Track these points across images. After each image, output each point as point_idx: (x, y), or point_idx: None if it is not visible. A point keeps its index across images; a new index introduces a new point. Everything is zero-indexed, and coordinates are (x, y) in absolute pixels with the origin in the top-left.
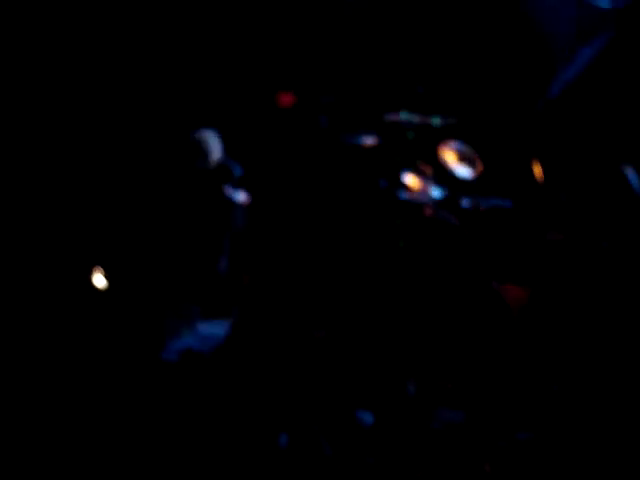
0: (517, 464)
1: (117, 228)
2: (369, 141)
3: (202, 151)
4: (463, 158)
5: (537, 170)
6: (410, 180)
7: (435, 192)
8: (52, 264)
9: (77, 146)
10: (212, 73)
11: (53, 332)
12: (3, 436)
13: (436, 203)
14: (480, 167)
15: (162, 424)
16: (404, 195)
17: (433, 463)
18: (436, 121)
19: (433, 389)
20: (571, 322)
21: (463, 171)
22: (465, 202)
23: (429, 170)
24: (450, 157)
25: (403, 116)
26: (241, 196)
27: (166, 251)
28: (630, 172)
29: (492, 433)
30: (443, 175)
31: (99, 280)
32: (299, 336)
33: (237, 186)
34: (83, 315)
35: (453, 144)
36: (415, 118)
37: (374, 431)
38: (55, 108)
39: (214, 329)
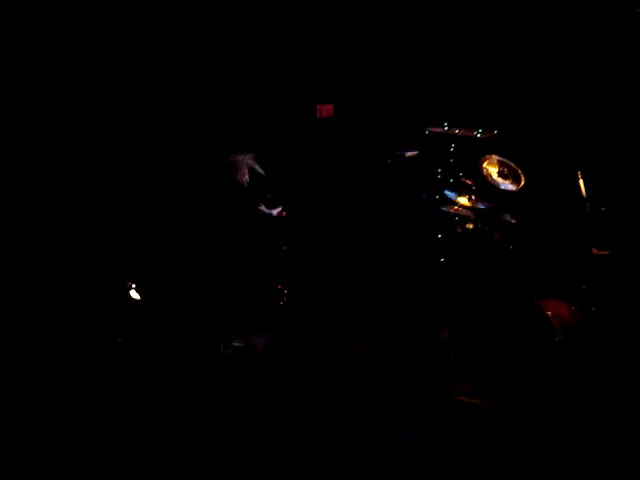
0: None
1: (161, 244)
2: (410, 153)
3: (239, 169)
4: (506, 171)
5: (581, 184)
6: (452, 193)
7: (477, 206)
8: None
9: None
10: (254, 85)
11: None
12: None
13: (478, 217)
14: (523, 180)
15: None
16: (445, 208)
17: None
18: (479, 134)
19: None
20: (620, 344)
21: (506, 184)
22: (508, 216)
23: (471, 183)
24: (493, 170)
25: (445, 128)
26: (276, 211)
27: (208, 266)
28: None
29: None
30: (485, 188)
31: (135, 294)
32: (337, 351)
33: (273, 202)
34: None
35: (496, 157)
36: (458, 130)
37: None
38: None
39: (252, 344)
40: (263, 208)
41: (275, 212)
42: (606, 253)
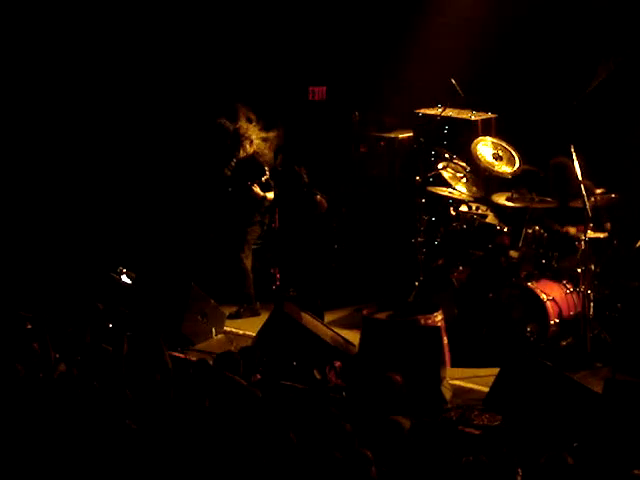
0: None
1: (147, 226)
2: (402, 135)
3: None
4: (501, 154)
5: (575, 164)
6: (446, 176)
7: (470, 188)
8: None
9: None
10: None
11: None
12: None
13: (471, 200)
14: (519, 163)
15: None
16: (440, 192)
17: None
18: (473, 115)
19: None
20: None
21: (501, 167)
22: (501, 199)
23: (465, 166)
24: (488, 153)
25: (439, 110)
26: (270, 194)
27: (193, 247)
28: None
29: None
30: (479, 171)
31: (126, 279)
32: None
33: (266, 182)
34: (110, 312)
35: (490, 139)
36: (452, 112)
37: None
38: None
39: (244, 329)
40: (257, 189)
41: (269, 196)
42: (603, 235)
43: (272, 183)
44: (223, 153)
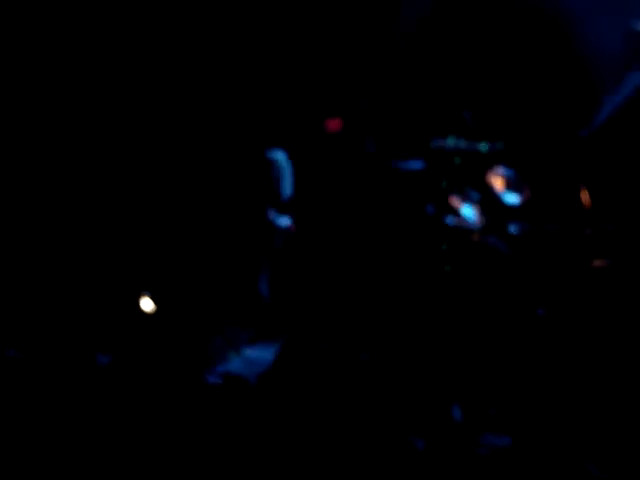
0: None
1: (163, 253)
2: (416, 166)
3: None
4: (510, 184)
5: (584, 196)
6: (457, 206)
7: (482, 218)
8: (103, 288)
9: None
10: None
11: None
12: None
13: (483, 229)
14: (528, 193)
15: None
16: (451, 220)
17: None
18: (483, 147)
19: (478, 415)
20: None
21: (510, 197)
22: (513, 228)
23: (476, 196)
24: (497, 183)
25: (450, 142)
26: (285, 221)
27: (211, 275)
28: None
29: (539, 457)
30: (490, 201)
31: (147, 304)
32: (345, 360)
33: (283, 210)
34: (132, 337)
35: (500, 170)
36: (462, 144)
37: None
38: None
39: (262, 353)
40: (273, 216)
41: (284, 224)
42: (606, 264)
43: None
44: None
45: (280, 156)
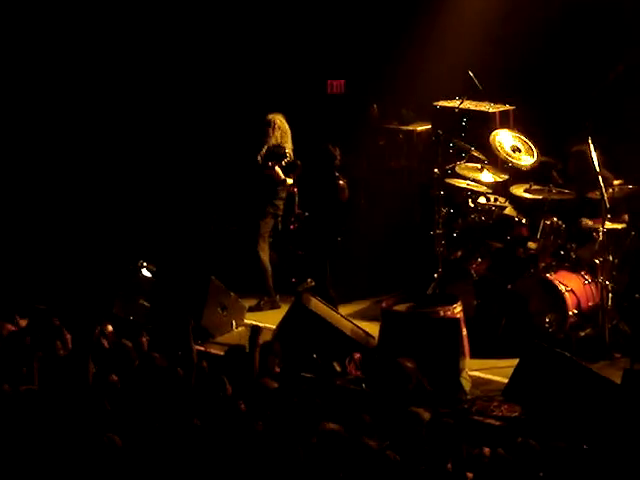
0: None
1: (168, 219)
2: (421, 128)
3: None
4: (519, 146)
5: (592, 154)
6: (463, 168)
7: (488, 179)
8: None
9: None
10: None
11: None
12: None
13: (490, 192)
14: (537, 155)
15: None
16: (458, 184)
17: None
18: (491, 107)
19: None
20: None
21: (519, 159)
22: (519, 191)
23: (484, 157)
24: (506, 144)
25: (457, 103)
26: (289, 180)
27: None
28: None
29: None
30: (498, 162)
31: (147, 272)
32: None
33: (287, 166)
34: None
35: (508, 131)
36: (470, 104)
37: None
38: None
39: (264, 322)
40: (278, 170)
41: (288, 180)
42: (621, 226)
43: (297, 164)
44: (255, 141)
45: (279, 117)
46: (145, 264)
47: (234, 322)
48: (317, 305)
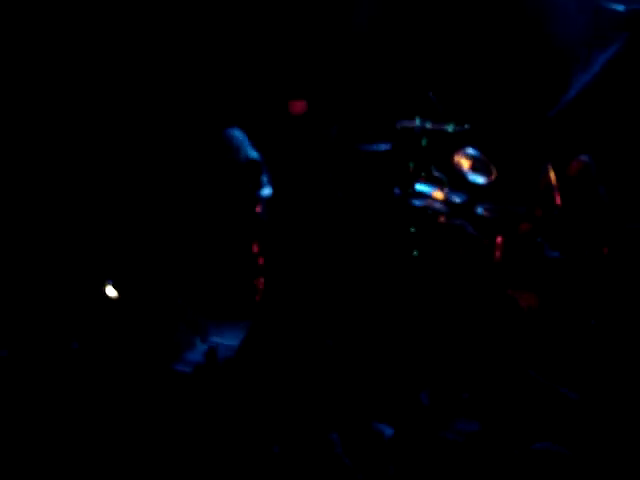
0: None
1: (129, 239)
2: (382, 148)
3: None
4: (477, 165)
5: (551, 177)
6: (424, 187)
7: (449, 199)
8: (67, 274)
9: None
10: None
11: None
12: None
13: (450, 210)
14: (494, 174)
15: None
16: (418, 202)
17: (450, 472)
18: (450, 128)
19: (447, 400)
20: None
21: (477, 178)
22: (479, 209)
23: (443, 177)
24: (464, 164)
25: (417, 123)
26: (267, 191)
27: (179, 258)
28: None
29: (507, 442)
30: (457, 182)
31: (111, 291)
32: (312, 345)
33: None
34: (96, 324)
35: (467, 151)
36: (429, 125)
37: (393, 442)
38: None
39: (227, 339)
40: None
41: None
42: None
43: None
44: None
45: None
46: (111, 283)
47: None
48: None
